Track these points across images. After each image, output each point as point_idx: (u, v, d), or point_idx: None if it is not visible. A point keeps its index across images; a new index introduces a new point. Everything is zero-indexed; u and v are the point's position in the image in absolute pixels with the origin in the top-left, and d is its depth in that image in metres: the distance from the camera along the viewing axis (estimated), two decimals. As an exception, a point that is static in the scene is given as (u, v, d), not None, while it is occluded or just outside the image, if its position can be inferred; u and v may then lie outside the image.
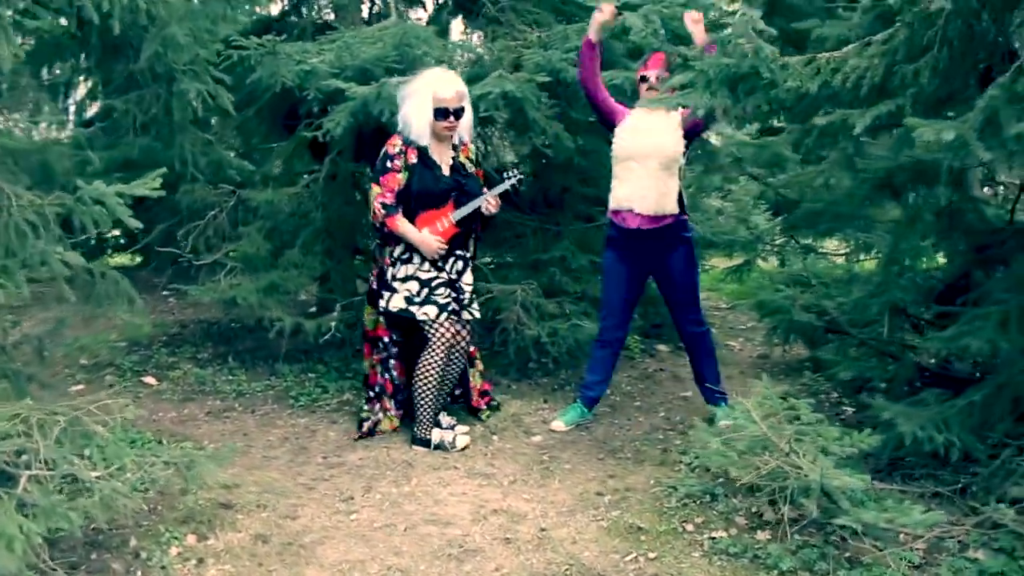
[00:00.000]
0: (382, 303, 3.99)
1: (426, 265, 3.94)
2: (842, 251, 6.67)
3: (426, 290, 3.94)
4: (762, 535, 3.11)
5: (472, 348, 4.32)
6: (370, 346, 4.24)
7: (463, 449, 4.06)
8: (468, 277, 4.11)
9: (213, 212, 5.21)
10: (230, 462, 3.28)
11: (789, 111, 2.94)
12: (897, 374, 3.76)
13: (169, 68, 3.73)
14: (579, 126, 5.14)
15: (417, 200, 3.90)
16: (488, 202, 4.02)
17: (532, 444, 4.17)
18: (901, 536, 2.89)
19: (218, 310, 6.54)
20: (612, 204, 4.18)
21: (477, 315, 4.14)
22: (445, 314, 3.95)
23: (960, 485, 3.13)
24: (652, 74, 4.05)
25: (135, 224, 2.90)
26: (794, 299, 4.59)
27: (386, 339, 4.14)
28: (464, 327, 4.10)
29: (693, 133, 4.07)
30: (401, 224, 3.87)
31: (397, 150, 3.93)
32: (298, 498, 3.55)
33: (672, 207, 4.05)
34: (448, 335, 3.99)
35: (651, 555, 3.07)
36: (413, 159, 3.92)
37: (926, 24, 2.67)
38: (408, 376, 4.16)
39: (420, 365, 4.02)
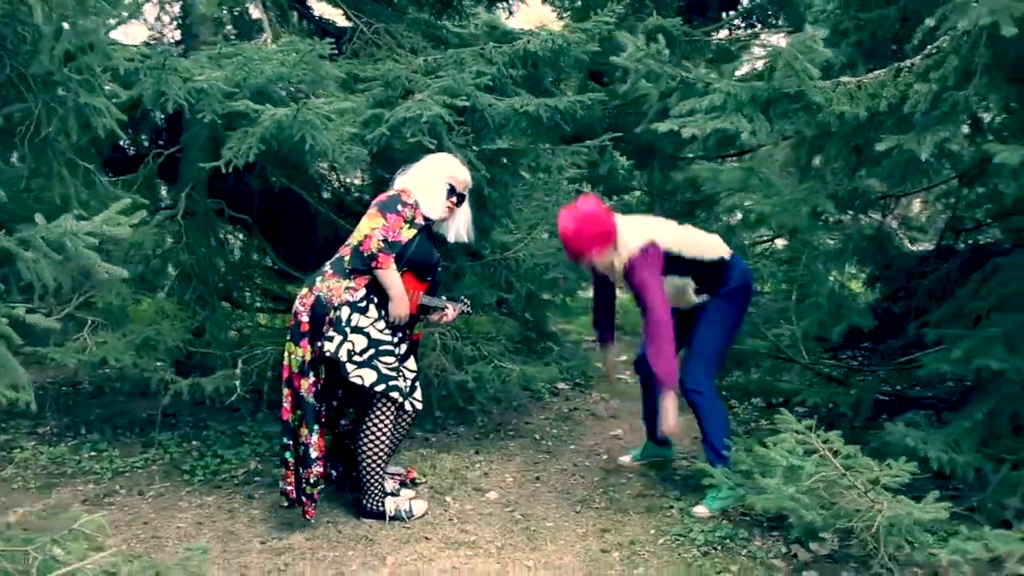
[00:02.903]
0: (329, 346, 3.39)
1: (381, 324, 3.45)
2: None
3: (372, 351, 3.42)
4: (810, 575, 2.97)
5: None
6: (292, 395, 3.49)
7: (421, 516, 3.60)
8: (412, 363, 3.68)
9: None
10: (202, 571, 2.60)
11: (832, 136, 2.87)
12: (861, 399, 3.80)
13: (65, 75, 3.00)
14: (485, 154, 4.86)
15: (408, 264, 3.47)
16: (448, 310, 3.71)
17: (493, 502, 3.78)
18: (944, 560, 2.85)
19: (40, 372, 5.51)
20: None
21: (419, 406, 3.67)
22: (384, 386, 3.45)
23: (972, 504, 3.16)
24: (590, 263, 3.67)
25: (121, 274, 2.23)
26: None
27: (310, 385, 3.45)
28: (406, 416, 3.66)
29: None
30: (393, 268, 3.39)
31: (412, 201, 3.48)
32: (262, 598, 2.94)
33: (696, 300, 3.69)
34: (393, 403, 3.52)
35: (703, 615, 2.83)
36: (421, 221, 3.51)
37: (968, 50, 2.68)
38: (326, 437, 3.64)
39: (368, 433, 3.51)
